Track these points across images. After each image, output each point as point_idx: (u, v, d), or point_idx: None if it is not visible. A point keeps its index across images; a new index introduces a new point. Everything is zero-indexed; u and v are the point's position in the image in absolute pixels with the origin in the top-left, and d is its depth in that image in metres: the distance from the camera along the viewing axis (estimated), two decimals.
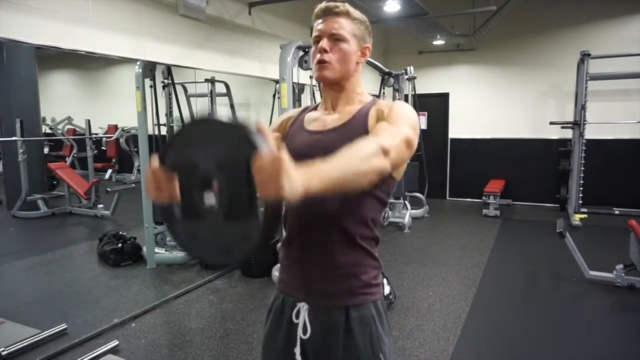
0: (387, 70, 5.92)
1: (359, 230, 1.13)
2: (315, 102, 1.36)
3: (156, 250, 4.32)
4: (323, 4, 1.18)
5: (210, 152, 0.85)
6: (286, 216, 1.22)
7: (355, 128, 1.14)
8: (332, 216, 1.12)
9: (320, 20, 1.17)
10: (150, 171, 0.89)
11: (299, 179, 0.77)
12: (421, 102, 6.82)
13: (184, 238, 0.94)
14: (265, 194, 0.76)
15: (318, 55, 1.16)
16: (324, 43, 1.15)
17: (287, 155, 0.75)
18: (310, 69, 1.21)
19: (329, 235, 1.13)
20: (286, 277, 1.23)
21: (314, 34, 1.19)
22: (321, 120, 1.22)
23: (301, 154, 1.15)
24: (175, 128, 5.40)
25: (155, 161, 0.90)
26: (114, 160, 9.83)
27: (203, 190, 0.85)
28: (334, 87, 1.21)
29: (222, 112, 0.85)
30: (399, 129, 1.07)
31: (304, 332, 1.13)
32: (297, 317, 1.15)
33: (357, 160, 0.91)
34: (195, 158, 0.87)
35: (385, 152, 0.96)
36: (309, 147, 1.16)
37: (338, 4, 1.17)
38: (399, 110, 1.14)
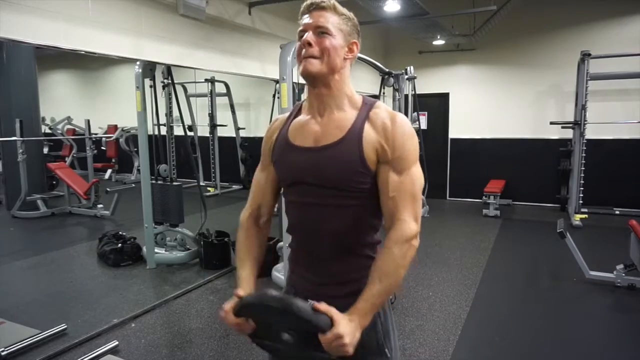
0: (387, 70, 5.92)
1: (361, 241, 1.15)
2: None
3: (156, 250, 4.32)
4: (309, 0, 1.13)
5: (280, 320, 1.01)
6: (290, 220, 1.23)
7: (348, 150, 1.09)
8: (333, 228, 1.13)
9: (306, 15, 1.13)
10: (228, 319, 1.07)
11: (357, 331, 0.99)
12: (421, 102, 6.82)
13: (271, 349, 1.12)
14: (333, 354, 0.97)
15: (303, 50, 1.11)
16: (309, 36, 1.10)
17: (344, 326, 0.95)
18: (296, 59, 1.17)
19: (331, 247, 1.14)
20: (294, 279, 1.25)
21: (299, 29, 1.14)
22: (308, 129, 1.15)
23: (293, 172, 1.15)
24: (174, 128, 5.39)
25: (230, 312, 1.06)
26: (113, 160, 9.83)
27: (278, 332, 1.04)
28: (319, 85, 1.13)
29: (296, 302, 0.98)
30: (412, 181, 1.09)
31: None
32: None
33: (395, 274, 1.06)
34: (267, 319, 1.05)
35: (416, 235, 1.08)
36: (300, 169, 1.13)
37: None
38: (402, 144, 1.09)
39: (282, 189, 1.24)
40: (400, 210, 1.07)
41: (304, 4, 1.14)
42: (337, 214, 1.12)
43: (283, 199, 1.26)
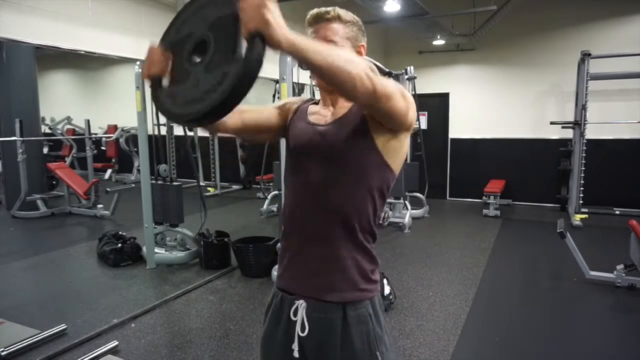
0: (387, 70, 5.91)
1: (358, 223, 1.14)
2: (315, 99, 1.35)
3: (156, 250, 4.32)
4: (314, 11, 1.17)
5: (203, 18, 0.87)
6: (285, 208, 1.23)
7: (352, 119, 1.15)
8: (333, 206, 1.13)
9: (312, 29, 1.17)
10: (148, 51, 0.93)
11: (284, 24, 0.79)
12: (421, 102, 6.80)
13: (164, 102, 0.92)
14: (249, 26, 0.78)
15: None
16: None
17: None
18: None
19: (329, 226, 1.14)
20: (284, 271, 1.24)
21: None
22: (321, 114, 1.23)
23: (301, 145, 1.19)
24: (174, 128, 5.39)
25: (154, 43, 0.93)
26: (113, 160, 9.83)
27: (192, 55, 0.88)
28: (334, 92, 1.21)
29: None
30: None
31: (302, 329, 1.14)
32: (295, 314, 1.16)
33: (343, 56, 0.92)
34: (189, 30, 0.90)
35: (370, 75, 0.95)
36: (309, 138, 1.18)
37: (328, 9, 1.16)
38: None
39: (287, 164, 1.25)
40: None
41: (309, 14, 1.18)
42: (339, 189, 1.13)
43: (283, 200, 1.26)
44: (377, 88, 0.97)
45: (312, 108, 1.28)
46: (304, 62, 0.87)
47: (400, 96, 1.05)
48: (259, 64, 0.80)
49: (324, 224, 1.14)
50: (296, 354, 1.15)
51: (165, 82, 0.93)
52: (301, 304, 1.15)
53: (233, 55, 0.80)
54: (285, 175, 1.26)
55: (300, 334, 1.14)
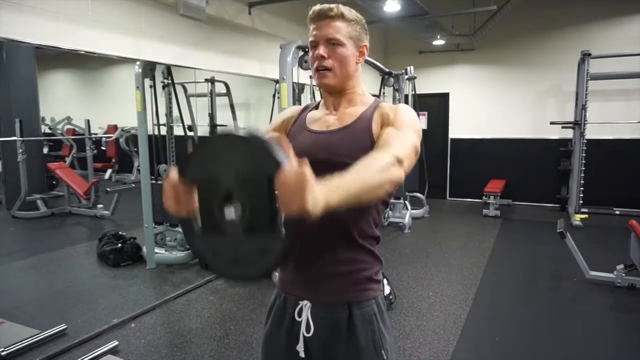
0: (387, 70, 5.92)
1: (361, 230, 1.14)
2: (315, 101, 1.34)
3: (156, 250, 4.32)
4: (317, 7, 1.16)
5: (231, 166, 0.84)
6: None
7: (359, 130, 1.15)
8: (335, 216, 1.12)
9: (314, 25, 1.17)
10: (168, 183, 0.88)
11: (321, 194, 0.78)
12: (421, 102, 6.81)
13: (203, 252, 0.92)
14: (288, 208, 0.76)
15: (316, 63, 1.17)
16: (321, 50, 1.15)
17: (309, 169, 0.75)
18: (311, 68, 1.20)
19: (331, 234, 1.13)
20: (287, 276, 1.23)
21: (310, 38, 1.18)
22: (323, 120, 1.22)
23: (304, 153, 1.16)
24: (174, 128, 5.40)
25: (174, 173, 0.88)
26: (113, 160, 9.82)
27: (223, 205, 0.85)
28: (335, 92, 1.21)
29: (242, 127, 0.83)
30: (406, 135, 1.08)
31: (307, 330, 1.14)
32: (300, 315, 1.15)
33: (375, 173, 0.93)
34: (215, 172, 0.86)
35: (400, 162, 0.99)
36: (312, 146, 1.16)
37: (332, 6, 1.15)
38: (404, 114, 1.14)
39: None
40: (392, 143, 1.05)
41: (313, 10, 1.16)
42: None
43: None
44: (407, 170, 1.02)
45: (312, 115, 1.26)
46: (347, 206, 0.88)
47: (415, 156, 1.08)
48: (298, 238, 0.81)
49: (326, 230, 1.11)
50: (302, 354, 1.15)
51: (195, 223, 0.91)
52: (306, 305, 1.15)
53: (273, 229, 0.81)
54: None
55: (306, 334, 1.14)
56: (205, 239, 0.90)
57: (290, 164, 0.76)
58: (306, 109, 1.30)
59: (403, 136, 1.08)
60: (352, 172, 0.90)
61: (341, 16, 1.15)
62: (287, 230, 0.79)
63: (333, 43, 1.15)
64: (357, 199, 0.89)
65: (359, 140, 1.13)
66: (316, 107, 1.29)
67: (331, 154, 1.13)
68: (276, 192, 0.77)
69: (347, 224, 1.13)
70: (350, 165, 1.08)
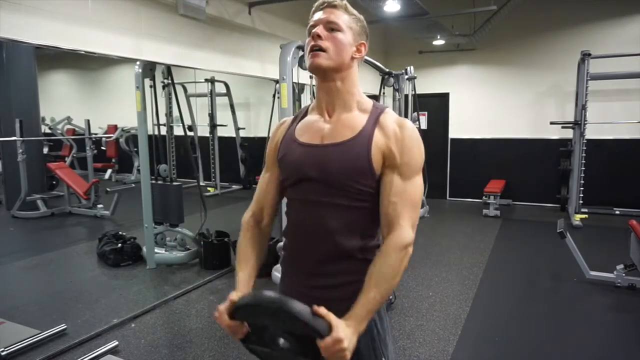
0: (387, 70, 5.92)
1: (361, 244, 1.14)
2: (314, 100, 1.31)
3: (156, 250, 4.32)
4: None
5: (276, 322, 0.97)
6: (287, 221, 1.23)
7: (357, 152, 1.10)
8: (333, 229, 1.12)
9: (319, 12, 1.16)
10: (222, 321, 1.03)
11: (354, 337, 0.97)
12: (421, 102, 6.81)
13: (262, 355, 1.07)
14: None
15: (311, 43, 1.12)
16: (319, 29, 1.12)
17: (343, 331, 0.93)
18: (304, 52, 1.18)
19: (330, 247, 1.13)
20: (287, 283, 1.24)
21: (310, 24, 1.16)
22: (317, 129, 1.16)
23: (297, 168, 1.15)
24: (174, 128, 5.40)
25: (224, 313, 1.03)
26: (113, 160, 9.83)
27: (273, 337, 1.00)
28: (328, 79, 1.14)
29: (291, 302, 0.95)
30: (414, 190, 1.10)
31: None
32: None
33: (391, 279, 1.05)
34: (262, 322, 1.01)
35: (410, 245, 1.08)
36: (305, 160, 1.13)
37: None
38: (410, 151, 1.10)
39: (286, 189, 1.23)
40: (400, 216, 1.07)
41: (317, 2, 1.17)
42: (339, 214, 1.11)
43: (285, 214, 1.25)
44: (411, 253, 1.10)
45: (303, 123, 1.21)
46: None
47: (421, 197, 1.13)
48: None
49: (323, 244, 1.13)
50: None
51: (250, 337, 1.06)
52: None
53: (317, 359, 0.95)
54: (287, 194, 1.23)
55: None
56: (261, 348, 1.05)
57: (327, 331, 0.92)
58: (296, 119, 1.25)
59: (411, 194, 1.09)
60: (372, 290, 1.02)
61: (344, 8, 1.16)
62: None
63: (332, 27, 1.12)
64: (380, 308, 1.08)
65: (356, 163, 1.09)
66: (306, 114, 1.23)
67: (326, 173, 1.11)
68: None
69: (345, 237, 1.12)
70: (345, 186, 1.10)
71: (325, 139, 1.14)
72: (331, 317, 0.93)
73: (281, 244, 1.35)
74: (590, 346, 2.93)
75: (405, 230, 1.06)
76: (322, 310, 0.93)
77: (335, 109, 1.16)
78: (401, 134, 1.11)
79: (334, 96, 1.16)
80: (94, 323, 3.13)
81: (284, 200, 1.26)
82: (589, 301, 3.63)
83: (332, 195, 1.11)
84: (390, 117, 1.14)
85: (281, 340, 0.98)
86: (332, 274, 1.15)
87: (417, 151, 1.11)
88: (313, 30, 1.13)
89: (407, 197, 1.08)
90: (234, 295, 1.04)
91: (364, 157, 1.09)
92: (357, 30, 1.16)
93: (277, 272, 3.86)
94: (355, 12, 1.17)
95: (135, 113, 3.97)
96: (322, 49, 1.11)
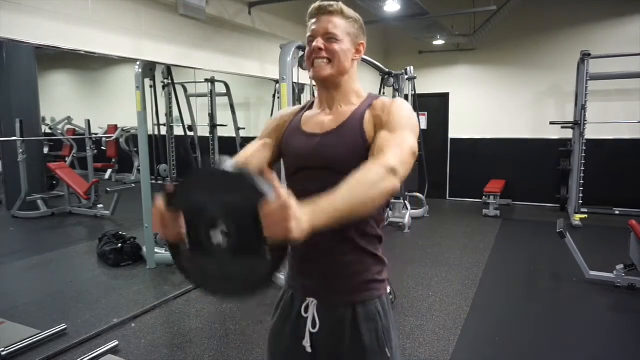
0: (387, 70, 5.92)
1: (361, 233, 1.15)
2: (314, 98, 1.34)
3: (156, 250, 4.32)
4: (317, 4, 1.18)
5: (216, 197, 0.88)
6: None
7: (350, 131, 1.14)
8: None
9: (314, 20, 1.18)
10: (156, 212, 0.92)
11: (306, 219, 0.81)
12: (421, 102, 6.81)
13: (191, 272, 0.96)
14: (273, 236, 0.80)
15: (313, 55, 1.17)
16: (319, 42, 1.16)
17: (293, 199, 0.79)
18: (306, 62, 1.21)
19: (331, 238, 1.13)
20: (293, 275, 1.25)
21: (308, 33, 1.19)
22: (317, 120, 1.21)
23: (298, 157, 1.18)
24: (174, 128, 5.40)
25: (161, 202, 0.92)
26: (113, 160, 9.82)
27: (209, 230, 0.88)
28: (330, 87, 1.20)
29: (225, 159, 0.88)
30: (402, 139, 1.06)
31: (313, 326, 1.16)
32: (306, 311, 1.18)
33: (366, 188, 0.93)
34: (201, 202, 0.90)
35: (394, 172, 0.97)
36: (306, 151, 1.17)
37: (332, 2, 1.17)
38: (398, 113, 1.12)
39: (286, 179, 1.24)
40: (386, 149, 1.04)
41: (312, 7, 1.19)
42: None
43: None
44: (403, 177, 1.00)
45: (307, 115, 1.25)
46: (337, 224, 0.90)
47: (413, 158, 1.07)
48: (282, 261, 0.85)
49: (327, 233, 1.12)
50: (309, 349, 1.17)
51: (182, 246, 0.95)
52: (312, 302, 1.17)
53: (259, 252, 0.84)
54: (287, 183, 1.24)
55: (312, 330, 1.16)
56: (192, 259, 0.93)
57: (274, 195, 0.79)
58: (302, 109, 1.30)
59: (398, 140, 1.06)
60: (343, 189, 0.91)
61: (340, 12, 1.17)
62: (273, 254, 0.83)
63: (330, 37, 1.15)
64: (347, 216, 0.90)
65: (351, 144, 1.12)
66: (311, 107, 1.28)
67: (325, 159, 1.13)
68: (261, 220, 0.80)
69: (346, 228, 1.12)
70: (346, 171, 1.07)
71: (324, 128, 1.19)
72: (280, 187, 0.82)
73: None
74: (590, 346, 2.93)
75: (388, 157, 1.00)
76: (273, 175, 0.83)
77: (335, 103, 1.21)
78: (390, 104, 1.15)
79: (335, 95, 1.21)
80: (94, 323, 3.13)
81: None
82: (588, 301, 3.63)
83: (332, 182, 1.10)
84: (382, 99, 1.19)
85: (218, 237, 0.87)
86: (335, 264, 1.16)
87: (405, 113, 1.12)
88: (313, 45, 1.16)
89: (394, 140, 1.06)
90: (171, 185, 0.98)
91: (357, 133, 1.13)
92: (354, 34, 1.19)
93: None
94: (350, 13, 1.19)
95: (135, 113, 3.97)
96: (323, 61, 1.16)
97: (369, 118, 1.14)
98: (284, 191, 0.80)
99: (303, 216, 0.80)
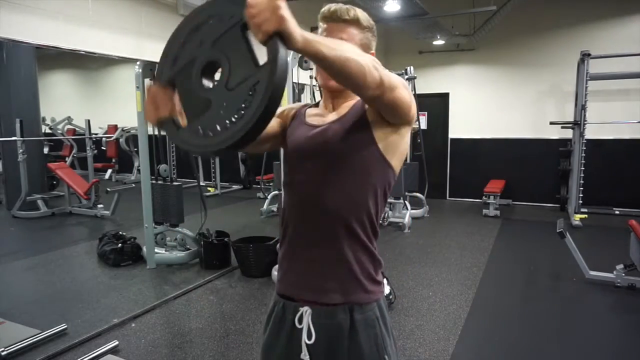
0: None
1: (360, 223, 1.12)
2: (314, 101, 1.33)
3: (156, 250, 4.32)
4: (333, 6, 1.12)
5: (200, 41, 0.82)
6: (285, 212, 1.22)
7: (353, 115, 1.13)
8: (334, 206, 1.11)
9: (326, 26, 1.13)
10: (148, 93, 0.88)
11: (295, 23, 0.75)
12: (421, 102, 6.81)
13: (189, 139, 0.86)
14: (266, 28, 0.74)
15: None
16: None
17: None
18: (311, 68, 1.22)
19: (330, 227, 1.11)
20: (284, 275, 1.20)
21: None
22: (321, 116, 1.21)
23: (300, 146, 1.17)
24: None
25: (153, 85, 0.88)
26: (113, 160, 9.84)
27: (202, 81, 0.82)
28: (337, 95, 1.20)
29: None
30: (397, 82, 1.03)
31: (309, 337, 1.10)
32: (300, 322, 1.12)
33: (351, 50, 0.90)
34: (186, 54, 0.84)
35: (377, 69, 0.93)
36: (310, 139, 1.16)
37: (349, 8, 1.12)
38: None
39: (286, 167, 1.23)
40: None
41: (328, 8, 1.13)
42: (339, 189, 1.11)
43: (283, 203, 1.24)
44: (384, 78, 0.95)
45: (311, 111, 1.26)
46: (318, 58, 0.83)
47: (403, 87, 1.03)
48: (287, 63, 0.76)
49: (325, 225, 1.12)
50: None
51: (181, 121, 0.87)
52: (306, 311, 1.12)
53: (255, 65, 0.76)
54: (284, 178, 1.24)
55: (307, 342, 1.10)
56: (190, 127, 0.85)
57: None
58: (306, 105, 1.30)
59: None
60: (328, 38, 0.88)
61: (357, 22, 1.13)
62: (271, 54, 0.75)
63: None
64: (332, 57, 0.83)
65: (351, 121, 1.12)
66: (316, 106, 1.28)
67: (327, 145, 1.12)
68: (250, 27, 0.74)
69: (347, 212, 1.10)
70: (347, 159, 1.10)
71: (327, 121, 1.18)
72: None
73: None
74: (590, 346, 2.93)
75: (378, 66, 0.96)
76: None
77: (340, 106, 1.20)
78: None
79: (341, 99, 1.20)
80: (94, 323, 3.13)
81: (283, 200, 1.26)
82: (588, 301, 3.63)
83: (333, 170, 1.11)
84: None
85: (210, 81, 0.82)
86: (329, 258, 1.12)
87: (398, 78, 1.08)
88: None
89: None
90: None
91: (359, 114, 1.12)
92: (367, 45, 1.17)
93: (277, 272, 3.86)
94: (365, 21, 1.15)
95: (135, 113, 3.97)
96: None
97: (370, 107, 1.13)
98: None
99: (293, 19, 0.75)
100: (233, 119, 0.78)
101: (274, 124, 1.25)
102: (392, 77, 0.99)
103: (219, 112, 0.80)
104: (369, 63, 0.92)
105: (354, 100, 1.19)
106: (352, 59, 0.87)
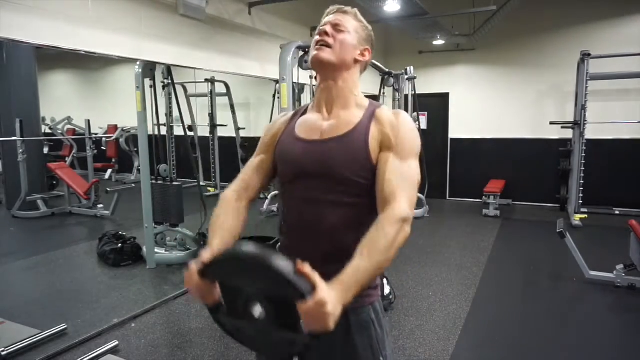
0: (387, 70, 5.92)
1: (355, 240, 1.10)
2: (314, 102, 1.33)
3: (156, 250, 4.32)
4: (336, 6, 1.23)
5: (254, 282, 0.89)
6: (283, 224, 1.21)
7: (355, 144, 1.11)
8: (330, 226, 1.11)
9: (329, 16, 1.22)
10: (189, 278, 0.96)
11: (339, 304, 0.87)
12: (421, 102, 6.82)
13: (232, 330, 1.00)
14: (312, 327, 0.85)
15: (317, 38, 1.18)
16: (327, 27, 1.18)
17: (328, 294, 0.84)
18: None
19: (327, 247, 1.12)
20: None
21: (319, 27, 1.21)
22: (316, 125, 1.18)
23: (296, 163, 1.15)
24: (174, 128, 5.40)
25: (195, 270, 0.96)
26: (113, 160, 9.83)
27: (248, 304, 0.91)
28: (328, 78, 1.17)
29: (264, 250, 0.87)
30: (411, 171, 1.08)
31: None
32: None
33: (385, 251, 0.97)
34: (239, 282, 0.92)
35: (408, 221, 1.01)
36: (305, 157, 1.14)
37: (349, 7, 1.23)
38: (405, 135, 1.11)
39: (283, 186, 1.21)
40: (396, 192, 1.04)
41: (331, 7, 1.23)
42: (338, 210, 1.11)
43: (281, 213, 1.24)
44: (410, 226, 1.03)
45: (303, 120, 1.22)
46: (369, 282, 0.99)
47: (418, 182, 1.10)
48: (319, 338, 0.87)
49: (324, 243, 1.12)
50: None
51: (222, 308, 1.00)
52: None
53: (296, 329, 0.88)
54: (285, 191, 1.21)
55: None
56: (231, 320, 0.98)
57: (310, 292, 0.83)
58: (296, 114, 1.27)
59: (407, 174, 1.07)
60: (363, 258, 0.95)
61: (354, 15, 1.22)
62: (311, 335, 0.87)
63: (340, 29, 1.18)
64: (372, 280, 1.00)
65: (355, 154, 1.11)
66: (305, 111, 1.25)
67: (326, 168, 1.11)
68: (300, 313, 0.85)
69: (343, 234, 1.11)
70: (346, 181, 1.09)
71: (324, 134, 1.16)
72: (316, 277, 0.85)
73: None
74: (590, 346, 2.93)
75: (401, 205, 1.02)
76: (307, 268, 0.84)
77: (334, 107, 1.19)
78: (396, 121, 1.14)
79: (334, 95, 1.18)
80: (94, 323, 3.13)
81: (281, 211, 1.25)
82: (588, 301, 3.63)
83: (332, 191, 1.11)
84: (385, 110, 1.18)
85: (256, 310, 0.90)
86: (332, 273, 1.12)
87: (412, 135, 1.12)
88: (320, 28, 1.19)
89: (403, 174, 1.07)
90: (207, 254, 0.96)
91: (361, 148, 1.11)
92: (363, 36, 1.21)
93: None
94: (364, 20, 1.24)
95: (135, 113, 3.97)
96: (326, 45, 1.16)
97: (375, 134, 1.12)
98: (317, 280, 0.84)
99: (337, 303, 0.86)
100: (274, 345, 0.96)
101: (265, 165, 1.26)
102: (414, 200, 1.07)
103: (263, 335, 0.94)
104: (396, 250, 0.99)
105: (353, 109, 1.17)
106: (384, 268, 1.00)
